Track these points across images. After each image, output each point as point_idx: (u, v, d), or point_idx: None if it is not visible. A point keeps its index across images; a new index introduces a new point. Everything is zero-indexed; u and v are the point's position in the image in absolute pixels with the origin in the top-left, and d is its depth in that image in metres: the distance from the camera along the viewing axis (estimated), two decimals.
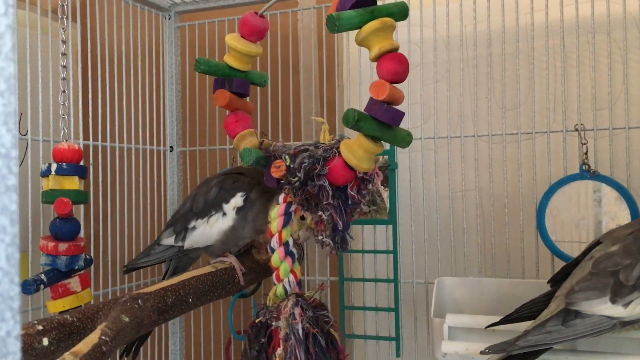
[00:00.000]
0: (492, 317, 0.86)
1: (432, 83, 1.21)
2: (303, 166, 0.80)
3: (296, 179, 0.80)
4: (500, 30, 1.13)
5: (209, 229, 0.99)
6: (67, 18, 0.96)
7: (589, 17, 1.06)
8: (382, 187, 1.14)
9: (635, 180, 1.03)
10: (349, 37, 1.29)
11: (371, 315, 1.20)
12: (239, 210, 0.97)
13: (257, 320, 0.86)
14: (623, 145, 1.04)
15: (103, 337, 0.65)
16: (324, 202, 0.81)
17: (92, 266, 1.11)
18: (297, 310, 0.83)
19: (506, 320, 0.85)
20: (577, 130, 1.02)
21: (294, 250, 0.88)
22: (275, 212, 0.86)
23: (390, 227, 1.13)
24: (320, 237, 0.83)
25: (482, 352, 0.75)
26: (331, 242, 0.83)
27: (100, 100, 1.18)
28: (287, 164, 0.82)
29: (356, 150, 0.79)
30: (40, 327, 0.70)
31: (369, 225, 1.17)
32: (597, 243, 0.81)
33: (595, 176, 0.99)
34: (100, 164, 1.17)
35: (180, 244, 1.02)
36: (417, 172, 1.18)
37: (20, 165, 1.13)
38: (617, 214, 0.97)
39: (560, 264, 1.03)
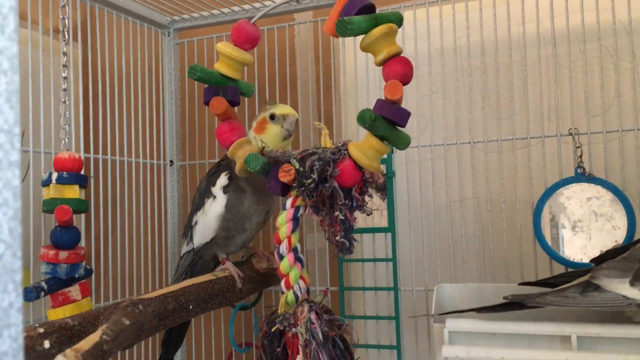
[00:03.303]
0: (493, 322, 0.86)
1: (427, 95, 1.22)
2: (315, 168, 0.80)
3: (310, 180, 0.80)
4: (493, 41, 1.15)
5: (207, 218, 1.01)
6: (67, 32, 0.98)
7: (580, 26, 1.08)
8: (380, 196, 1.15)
9: (630, 182, 1.04)
10: (345, 52, 1.32)
11: (372, 324, 1.20)
12: (226, 188, 0.99)
13: (273, 329, 0.85)
14: (617, 148, 1.05)
15: (104, 337, 0.65)
16: (339, 203, 0.81)
17: (94, 280, 1.11)
18: (314, 315, 0.83)
19: (530, 283, 0.90)
20: (571, 134, 1.04)
21: (302, 256, 0.88)
22: (284, 218, 0.85)
23: (389, 235, 1.13)
24: (337, 238, 0.83)
25: (504, 297, 0.82)
26: (347, 242, 0.83)
27: (101, 115, 1.20)
28: (297, 167, 0.82)
29: (367, 150, 0.80)
30: (41, 330, 0.71)
31: (368, 234, 1.18)
32: None
33: (591, 179, 1.00)
34: (101, 178, 1.18)
35: (191, 246, 1.05)
36: (415, 180, 1.19)
37: (22, 181, 1.14)
38: (614, 216, 0.98)
39: (558, 267, 1.04)
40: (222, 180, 1.01)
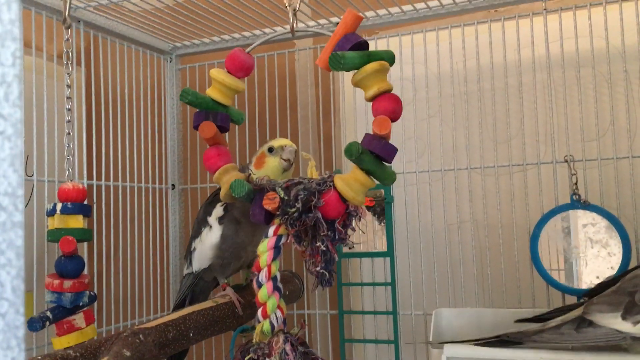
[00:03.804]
0: (490, 349, 0.87)
1: (425, 118, 1.24)
2: (300, 197, 0.81)
3: (294, 209, 0.81)
4: (489, 67, 1.17)
5: (203, 246, 1.02)
6: (71, 64, 1.00)
7: (574, 52, 1.10)
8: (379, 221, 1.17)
9: (625, 209, 1.05)
10: (344, 76, 1.34)
11: (371, 347, 1.21)
12: (221, 219, 1.00)
13: (247, 358, 0.85)
14: (612, 175, 1.06)
15: None
16: (322, 234, 0.82)
17: (97, 303, 1.13)
18: (288, 347, 0.83)
19: (527, 320, 0.91)
20: (566, 161, 1.05)
21: (281, 286, 0.88)
22: (265, 245, 0.85)
23: (388, 259, 1.15)
24: (317, 269, 0.84)
25: (501, 336, 0.83)
26: (327, 274, 0.84)
27: (103, 140, 1.22)
28: (281, 196, 0.83)
29: (352, 183, 0.81)
30: None
31: (367, 258, 1.19)
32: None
33: (586, 206, 1.01)
34: (104, 203, 1.20)
35: (191, 269, 1.06)
36: (413, 205, 1.20)
37: (26, 206, 1.16)
38: (609, 242, 0.99)
39: (555, 292, 1.05)
40: (218, 210, 1.02)
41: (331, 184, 0.83)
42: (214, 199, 1.05)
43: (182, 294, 1.10)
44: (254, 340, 0.85)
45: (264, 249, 0.85)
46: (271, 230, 0.86)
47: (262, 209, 0.85)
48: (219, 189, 1.08)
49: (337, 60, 0.78)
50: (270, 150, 1.01)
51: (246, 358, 0.84)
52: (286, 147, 1.00)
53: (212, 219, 1.02)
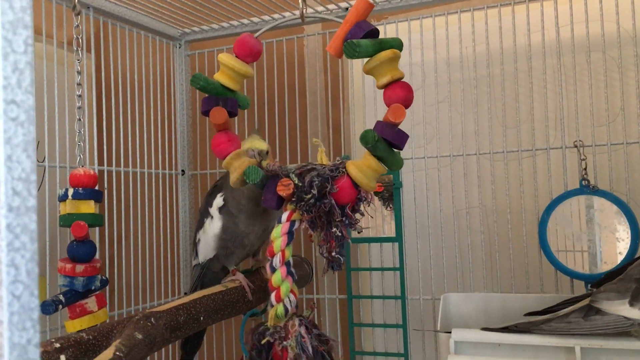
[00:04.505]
0: (498, 333, 0.88)
1: (434, 104, 1.24)
2: (314, 184, 0.82)
3: (310, 196, 0.82)
4: (498, 51, 1.16)
5: (206, 237, 1.03)
6: (81, 50, 1.01)
7: (585, 36, 1.09)
8: (387, 206, 1.17)
9: (635, 194, 1.05)
10: (352, 63, 1.33)
11: (380, 331, 1.22)
12: (221, 209, 1.01)
13: (263, 341, 0.87)
14: (622, 160, 1.06)
15: (117, 353, 0.68)
16: (337, 220, 0.83)
17: (108, 287, 1.15)
18: (304, 329, 0.85)
19: (536, 312, 0.91)
20: (576, 146, 1.05)
21: (294, 270, 0.89)
22: (279, 231, 0.86)
23: (397, 244, 1.15)
24: (333, 254, 0.85)
25: (510, 327, 0.83)
26: (340, 258, 0.85)
27: (114, 126, 1.23)
28: (296, 182, 0.84)
29: (365, 170, 0.82)
30: (57, 345, 0.74)
31: (375, 243, 1.20)
32: None
33: (595, 191, 1.01)
34: (115, 189, 1.21)
35: (197, 260, 1.07)
36: (422, 190, 1.21)
37: (38, 191, 1.17)
38: (617, 228, 0.99)
39: (563, 277, 1.05)
40: (218, 201, 1.03)
41: (344, 170, 0.83)
42: (213, 189, 1.06)
43: (192, 285, 1.11)
44: (268, 324, 0.86)
45: (278, 235, 0.86)
46: (284, 216, 0.87)
47: (274, 195, 0.86)
48: (219, 180, 1.09)
49: (353, 48, 0.79)
50: None
51: (263, 342, 0.85)
52: (248, 150, 0.97)
53: (213, 209, 1.03)
